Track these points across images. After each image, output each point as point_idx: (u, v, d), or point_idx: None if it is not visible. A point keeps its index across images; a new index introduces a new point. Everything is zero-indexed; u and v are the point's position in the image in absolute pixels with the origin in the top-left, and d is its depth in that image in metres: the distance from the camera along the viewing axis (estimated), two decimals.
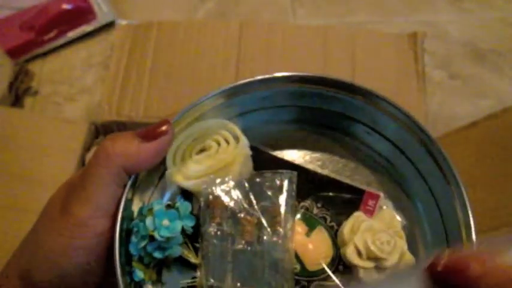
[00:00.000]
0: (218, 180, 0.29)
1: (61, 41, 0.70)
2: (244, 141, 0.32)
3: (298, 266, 0.29)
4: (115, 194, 0.26)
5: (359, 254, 0.29)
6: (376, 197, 0.31)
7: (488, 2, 0.78)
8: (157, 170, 0.31)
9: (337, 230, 0.31)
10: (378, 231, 0.29)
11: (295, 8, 0.77)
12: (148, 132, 0.26)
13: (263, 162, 0.32)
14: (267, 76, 0.32)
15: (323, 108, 0.34)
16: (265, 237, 0.28)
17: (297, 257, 0.30)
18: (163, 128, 0.26)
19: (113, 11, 0.72)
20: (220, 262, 0.28)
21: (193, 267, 0.29)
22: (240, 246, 0.28)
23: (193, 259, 0.28)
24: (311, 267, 0.30)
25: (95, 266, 0.26)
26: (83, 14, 0.70)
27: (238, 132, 0.32)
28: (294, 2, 0.77)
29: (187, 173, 0.30)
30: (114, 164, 0.26)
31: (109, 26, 0.71)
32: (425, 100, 0.56)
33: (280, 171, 0.30)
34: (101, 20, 0.71)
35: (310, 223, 0.31)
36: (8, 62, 0.64)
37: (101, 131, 0.56)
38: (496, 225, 0.43)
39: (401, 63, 0.58)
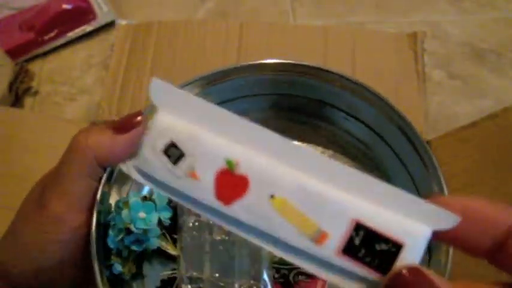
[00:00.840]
0: None
1: (61, 41, 0.70)
2: None
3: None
4: (90, 188, 0.26)
5: None
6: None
7: (488, 2, 0.78)
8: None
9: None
10: None
11: (295, 8, 0.77)
12: (121, 123, 0.25)
13: None
14: (241, 64, 0.31)
15: (299, 95, 0.33)
16: None
17: None
18: (136, 119, 0.25)
19: (113, 11, 0.72)
20: (198, 253, 0.27)
21: (173, 258, 0.28)
22: (218, 237, 0.27)
23: (172, 251, 0.28)
24: None
25: (71, 260, 0.26)
26: (83, 14, 0.70)
27: None
28: (294, 2, 0.77)
29: None
30: (87, 156, 0.25)
31: (109, 26, 0.71)
32: (425, 100, 0.56)
33: None
34: (101, 20, 0.71)
35: None
36: (8, 62, 0.64)
37: None
38: None
39: (401, 63, 0.58)
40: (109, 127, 0.26)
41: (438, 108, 0.66)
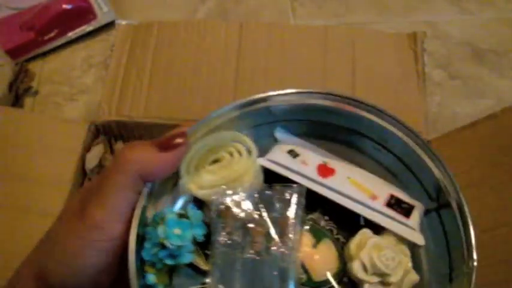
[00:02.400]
0: (230, 191, 0.31)
1: (61, 41, 0.70)
2: (256, 154, 0.33)
3: (304, 276, 0.30)
4: (131, 200, 0.27)
5: (364, 268, 0.30)
6: None
7: (488, 2, 0.78)
8: (171, 179, 0.32)
9: (343, 243, 0.32)
10: (384, 247, 0.30)
11: (295, 8, 0.77)
12: (166, 142, 0.28)
13: (273, 175, 0.33)
14: (279, 92, 0.34)
15: (331, 123, 0.35)
16: (273, 248, 0.29)
17: (303, 267, 0.31)
18: (180, 140, 0.28)
19: (113, 11, 0.72)
20: (229, 270, 0.29)
21: (203, 273, 0.29)
22: (249, 256, 0.29)
23: (203, 266, 0.29)
24: (317, 277, 0.31)
25: (106, 267, 0.27)
26: (83, 14, 0.70)
27: (251, 144, 0.33)
28: (294, 2, 0.77)
29: (200, 182, 0.32)
30: (131, 170, 0.27)
31: (109, 26, 0.71)
32: (425, 100, 0.56)
33: (290, 184, 0.32)
34: (101, 20, 0.71)
35: (317, 235, 0.32)
36: (8, 62, 0.64)
37: (101, 131, 0.56)
38: (496, 225, 0.43)
39: (401, 63, 0.58)
40: (154, 144, 0.27)
41: (438, 108, 0.66)
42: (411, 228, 0.32)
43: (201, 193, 0.31)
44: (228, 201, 0.30)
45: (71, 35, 0.70)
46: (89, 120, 0.55)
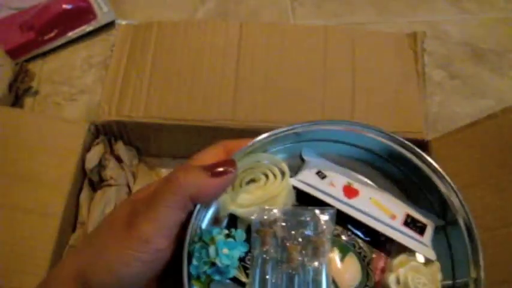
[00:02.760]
0: (267, 210, 0.33)
1: (61, 41, 0.70)
2: (289, 176, 0.36)
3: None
4: (179, 218, 0.30)
5: (398, 282, 0.34)
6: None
7: (488, 2, 0.78)
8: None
9: (364, 256, 0.35)
10: (421, 273, 0.34)
11: (295, 8, 0.77)
12: (217, 169, 0.30)
13: (303, 194, 0.36)
14: (306, 123, 0.37)
15: (354, 144, 0.39)
16: (308, 263, 0.32)
17: (333, 280, 0.33)
18: (231, 169, 0.31)
19: (113, 11, 0.72)
20: (267, 283, 0.32)
21: (242, 284, 0.32)
22: (286, 270, 0.32)
23: (243, 278, 0.32)
24: None
25: (148, 279, 0.30)
26: (83, 14, 0.70)
27: (285, 167, 0.36)
28: (294, 2, 0.77)
29: (238, 201, 0.34)
30: (183, 192, 0.29)
31: (109, 26, 0.72)
32: (425, 100, 0.56)
33: (321, 207, 0.34)
34: (100, 20, 0.71)
35: (343, 250, 0.35)
36: (8, 62, 0.64)
37: (101, 131, 0.56)
38: (496, 225, 0.43)
39: (401, 63, 0.58)
40: (206, 169, 0.30)
41: (438, 108, 0.66)
42: (425, 245, 0.35)
43: (239, 211, 0.34)
44: (266, 219, 0.33)
45: (71, 35, 0.70)
46: (89, 120, 0.55)
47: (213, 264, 0.30)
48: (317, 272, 0.32)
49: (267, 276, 0.32)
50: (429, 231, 0.36)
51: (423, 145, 0.53)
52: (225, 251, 0.30)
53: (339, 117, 0.54)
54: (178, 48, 0.58)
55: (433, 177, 0.36)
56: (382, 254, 0.36)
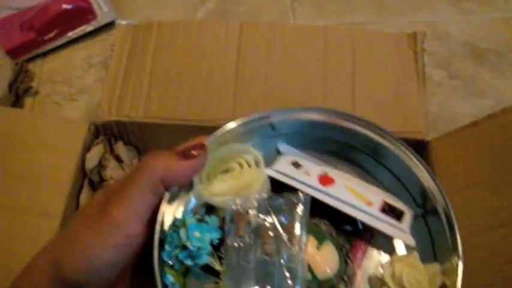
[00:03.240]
0: (241, 198, 0.34)
1: (61, 41, 0.70)
2: (263, 165, 0.36)
3: (309, 275, 0.33)
4: (151, 203, 0.29)
5: (393, 276, 0.34)
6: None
7: (488, 2, 0.78)
8: (184, 186, 0.34)
9: (342, 245, 0.35)
10: (418, 269, 0.34)
11: (295, 8, 0.77)
12: (187, 152, 0.31)
13: (278, 184, 0.36)
14: (280, 109, 0.38)
15: (329, 137, 0.39)
16: (283, 250, 0.32)
17: (308, 267, 0.33)
18: (201, 151, 0.31)
19: (113, 11, 0.72)
20: (241, 270, 0.31)
21: (216, 273, 0.32)
22: (260, 257, 0.32)
23: (217, 266, 0.32)
24: (320, 276, 0.33)
25: (122, 265, 0.29)
26: (83, 14, 0.70)
27: (259, 156, 0.37)
28: (294, 2, 0.77)
29: (213, 190, 0.35)
30: (154, 175, 0.29)
31: (109, 26, 0.72)
32: (425, 100, 0.56)
33: (295, 193, 0.35)
34: (100, 20, 0.71)
35: (320, 237, 0.35)
36: (8, 62, 0.64)
37: (101, 131, 0.56)
38: (496, 225, 0.43)
39: (401, 63, 0.58)
40: (176, 153, 0.30)
41: (438, 108, 0.66)
42: (403, 231, 0.35)
43: (214, 200, 0.34)
44: (240, 207, 0.33)
45: (71, 35, 0.70)
46: (89, 120, 0.55)
47: (185, 247, 0.30)
48: (292, 260, 0.32)
49: (242, 264, 0.32)
50: (407, 218, 0.36)
51: (423, 145, 0.53)
52: (196, 233, 0.30)
53: None
54: (178, 48, 0.58)
55: (413, 167, 0.36)
56: (362, 243, 0.36)
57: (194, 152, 0.31)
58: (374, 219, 0.35)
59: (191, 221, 0.31)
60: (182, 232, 0.30)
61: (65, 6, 0.69)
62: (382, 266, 0.35)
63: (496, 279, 0.41)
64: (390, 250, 0.36)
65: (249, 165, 0.36)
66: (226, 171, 0.36)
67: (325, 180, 0.37)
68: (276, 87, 0.56)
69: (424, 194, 0.36)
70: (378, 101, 0.56)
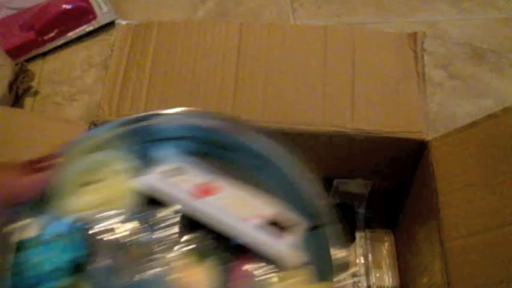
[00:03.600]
0: (107, 213, 0.30)
1: (61, 41, 0.70)
2: (132, 175, 0.33)
3: None
4: None
5: None
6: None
7: (488, 2, 0.78)
8: (41, 201, 0.30)
9: (225, 261, 0.32)
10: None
11: (295, 8, 0.77)
12: (29, 165, 0.27)
13: (150, 198, 0.33)
14: (160, 112, 0.36)
15: (212, 142, 0.37)
16: (153, 267, 0.29)
17: (183, 286, 0.30)
18: (46, 163, 0.27)
19: (113, 11, 0.72)
20: None
21: None
22: (127, 277, 0.29)
23: None
24: None
25: None
26: (83, 14, 0.70)
27: (128, 166, 0.33)
28: (294, 2, 0.77)
29: (76, 204, 0.31)
30: None
31: (109, 26, 0.72)
32: (425, 100, 0.56)
33: (165, 210, 0.31)
34: (100, 20, 0.71)
35: (199, 254, 0.31)
36: (8, 62, 0.64)
37: None
38: (496, 225, 0.43)
39: (401, 63, 0.58)
40: (22, 166, 0.27)
41: (438, 108, 0.66)
42: (284, 247, 0.31)
43: (76, 215, 0.30)
44: (105, 223, 0.30)
45: (71, 35, 0.70)
46: (88, 120, 0.55)
47: (21, 275, 0.26)
48: (160, 279, 0.29)
49: (109, 285, 0.28)
50: (297, 231, 0.33)
51: (423, 145, 0.53)
52: (36, 258, 0.26)
53: (339, 117, 0.54)
54: (178, 48, 0.58)
55: (300, 181, 0.34)
56: (249, 258, 0.32)
57: (42, 164, 0.27)
58: (247, 235, 0.32)
59: (38, 241, 0.27)
60: (20, 256, 0.26)
61: (64, 6, 0.69)
62: (269, 284, 0.31)
63: (496, 279, 0.41)
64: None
65: (117, 176, 0.32)
66: (91, 183, 0.32)
67: (206, 190, 0.33)
68: (276, 87, 0.56)
69: (311, 206, 0.34)
70: (377, 101, 0.56)
